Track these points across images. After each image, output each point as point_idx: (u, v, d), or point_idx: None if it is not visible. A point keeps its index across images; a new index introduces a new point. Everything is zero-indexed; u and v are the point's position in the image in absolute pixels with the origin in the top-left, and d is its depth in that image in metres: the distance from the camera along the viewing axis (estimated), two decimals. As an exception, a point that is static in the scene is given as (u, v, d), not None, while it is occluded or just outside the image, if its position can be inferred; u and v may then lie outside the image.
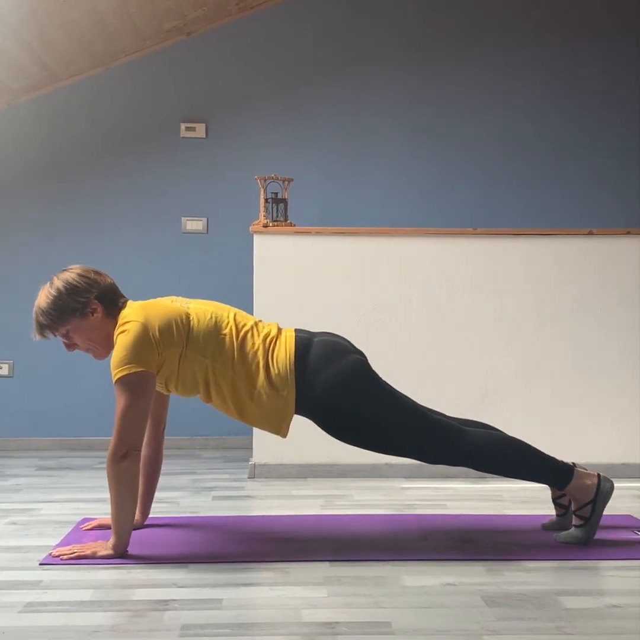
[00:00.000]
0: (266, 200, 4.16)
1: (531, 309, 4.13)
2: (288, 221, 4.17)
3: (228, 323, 2.81)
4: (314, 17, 5.15)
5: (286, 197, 4.19)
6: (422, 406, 2.88)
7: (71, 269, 2.82)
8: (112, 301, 2.82)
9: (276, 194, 4.19)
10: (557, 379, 4.12)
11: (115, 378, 2.67)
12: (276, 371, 2.76)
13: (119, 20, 4.65)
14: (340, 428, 2.83)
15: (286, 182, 4.21)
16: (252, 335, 2.81)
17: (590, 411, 4.11)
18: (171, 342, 2.72)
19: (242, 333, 2.80)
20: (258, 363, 2.77)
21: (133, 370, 2.66)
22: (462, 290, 4.13)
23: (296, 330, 2.88)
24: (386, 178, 5.13)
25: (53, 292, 2.76)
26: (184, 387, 2.80)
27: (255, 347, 2.79)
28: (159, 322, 2.72)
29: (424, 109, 5.16)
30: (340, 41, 5.15)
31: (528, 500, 3.55)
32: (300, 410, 2.82)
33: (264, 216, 4.14)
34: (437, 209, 5.09)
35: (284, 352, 2.78)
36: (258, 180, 4.21)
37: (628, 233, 4.14)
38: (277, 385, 2.76)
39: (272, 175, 4.23)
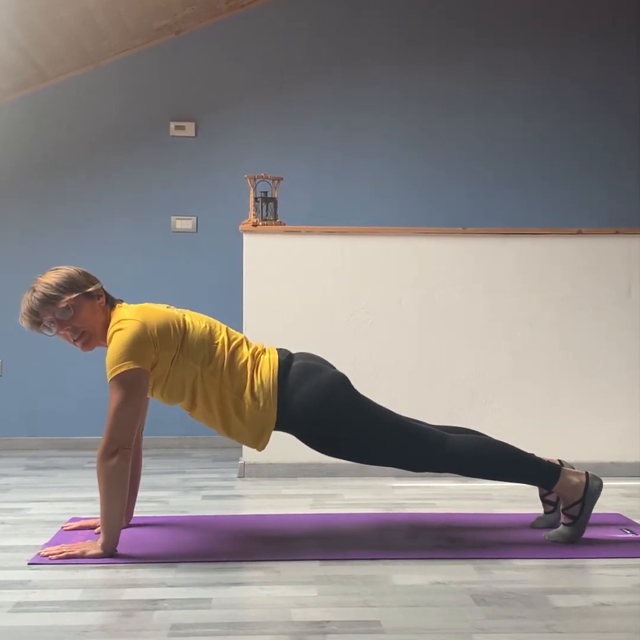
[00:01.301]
0: (256, 199, 4.16)
1: (521, 308, 4.14)
2: (278, 220, 4.16)
3: (220, 334, 2.86)
4: (304, 15, 5.14)
5: (276, 196, 4.19)
6: (402, 417, 2.90)
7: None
8: (109, 296, 2.88)
9: (266, 193, 4.18)
10: (548, 378, 4.13)
11: (112, 375, 2.67)
12: (259, 383, 2.80)
13: (109, 18, 4.64)
14: (323, 443, 2.86)
15: (276, 181, 4.20)
16: (242, 347, 2.87)
17: (580, 410, 4.12)
18: (168, 343, 2.74)
19: (233, 344, 2.86)
20: (246, 374, 2.81)
21: (130, 367, 2.66)
22: (453, 289, 4.14)
23: (278, 350, 2.93)
24: (376, 177, 5.13)
25: (62, 272, 2.81)
26: (170, 392, 2.81)
27: (244, 359, 2.83)
28: (156, 322, 2.75)
29: (414, 108, 5.16)
30: (330, 39, 5.15)
31: (517, 499, 3.55)
32: (282, 427, 2.85)
33: (254, 215, 4.14)
34: (427, 208, 5.09)
35: (268, 366, 2.83)
36: (248, 179, 4.21)
37: (617, 233, 4.15)
38: (259, 398, 2.79)
39: (262, 174, 4.23)
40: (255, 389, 2.79)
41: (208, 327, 2.85)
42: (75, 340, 2.82)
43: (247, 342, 2.92)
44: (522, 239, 4.15)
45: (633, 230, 4.19)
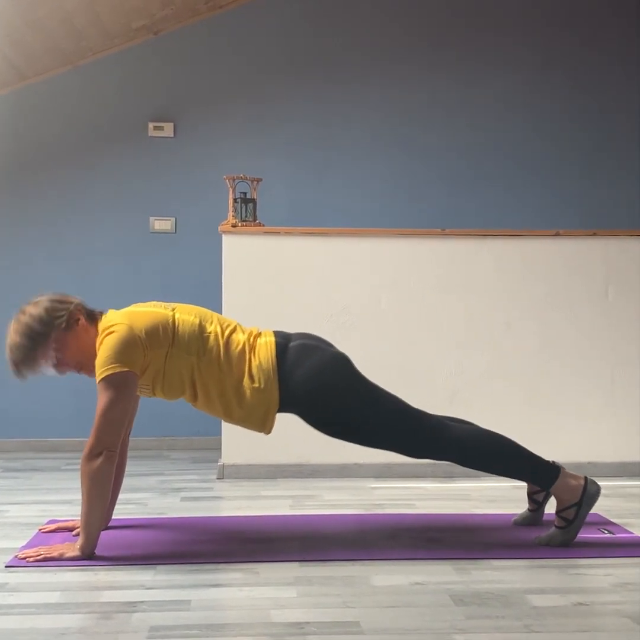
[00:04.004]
0: (235, 200, 4.15)
1: (500, 308, 4.16)
2: (257, 221, 4.16)
3: (212, 322, 2.86)
4: (283, 16, 5.14)
5: (255, 197, 4.19)
6: (405, 402, 2.89)
7: (39, 298, 2.80)
8: (89, 310, 2.85)
9: (245, 193, 4.18)
10: (526, 379, 4.14)
11: (100, 377, 2.67)
12: (258, 364, 2.79)
13: (87, 18, 4.62)
14: (323, 423, 2.85)
15: (255, 182, 4.20)
16: (237, 334, 2.87)
17: (558, 410, 4.14)
18: (157, 342, 2.74)
19: (227, 331, 2.85)
20: (244, 359, 2.81)
21: (117, 369, 2.66)
22: (432, 290, 4.15)
23: (275, 332, 2.92)
24: (356, 178, 5.14)
25: (34, 314, 2.74)
26: (170, 387, 2.81)
27: (241, 344, 2.83)
28: (144, 324, 2.75)
29: (394, 109, 5.17)
30: (309, 40, 5.15)
31: (496, 499, 3.56)
32: (285, 407, 2.84)
33: (233, 216, 4.13)
34: (407, 209, 5.10)
35: (266, 348, 2.83)
36: (227, 180, 4.20)
37: (594, 234, 4.18)
38: (259, 380, 2.79)
39: (241, 175, 4.22)
40: (254, 371, 2.79)
41: (198, 319, 2.84)
42: (78, 371, 2.82)
43: (241, 328, 2.91)
44: (500, 240, 4.17)
45: (610, 232, 4.22)
